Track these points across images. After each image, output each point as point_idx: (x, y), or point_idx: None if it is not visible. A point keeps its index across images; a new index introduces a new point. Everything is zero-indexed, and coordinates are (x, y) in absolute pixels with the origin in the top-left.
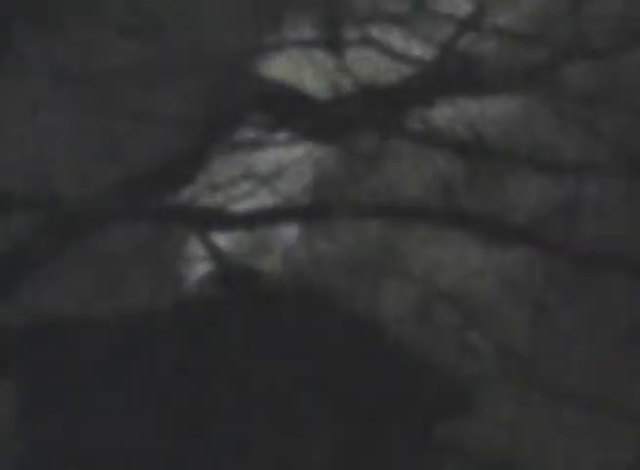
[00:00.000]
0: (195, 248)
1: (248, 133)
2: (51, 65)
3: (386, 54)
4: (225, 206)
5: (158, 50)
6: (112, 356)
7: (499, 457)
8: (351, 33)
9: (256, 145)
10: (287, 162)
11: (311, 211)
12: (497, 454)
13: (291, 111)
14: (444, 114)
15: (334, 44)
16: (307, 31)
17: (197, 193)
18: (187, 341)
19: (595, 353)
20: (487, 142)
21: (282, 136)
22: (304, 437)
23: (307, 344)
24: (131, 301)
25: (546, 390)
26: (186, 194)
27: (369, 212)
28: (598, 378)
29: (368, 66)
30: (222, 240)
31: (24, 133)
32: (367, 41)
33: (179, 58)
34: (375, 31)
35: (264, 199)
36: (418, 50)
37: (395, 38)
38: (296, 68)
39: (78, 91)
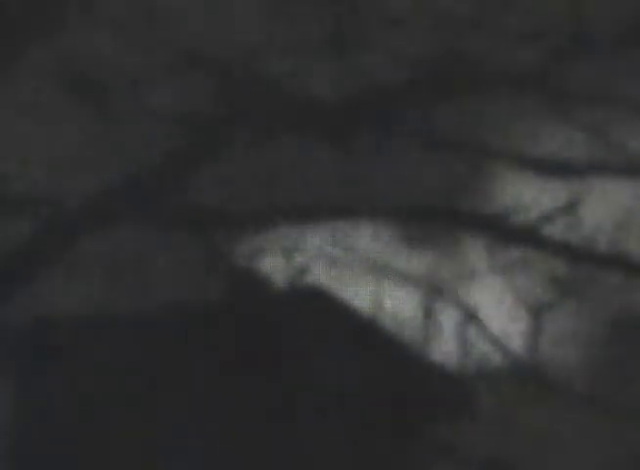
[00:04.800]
0: (197, 248)
1: (249, 133)
2: (51, 65)
3: (386, 54)
4: (227, 206)
5: (159, 50)
6: (112, 356)
7: (498, 458)
8: (352, 33)
9: (257, 145)
10: (288, 162)
11: (313, 212)
12: (495, 455)
13: (291, 111)
14: (445, 114)
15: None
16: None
17: (198, 193)
18: (187, 341)
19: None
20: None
21: (282, 136)
22: (303, 436)
23: (306, 343)
24: (131, 301)
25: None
26: (187, 194)
27: (369, 213)
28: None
29: (368, 66)
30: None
31: (24, 134)
32: (367, 41)
33: (181, 57)
34: (375, 31)
35: (266, 199)
36: (418, 50)
37: (396, 38)
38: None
39: (79, 91)
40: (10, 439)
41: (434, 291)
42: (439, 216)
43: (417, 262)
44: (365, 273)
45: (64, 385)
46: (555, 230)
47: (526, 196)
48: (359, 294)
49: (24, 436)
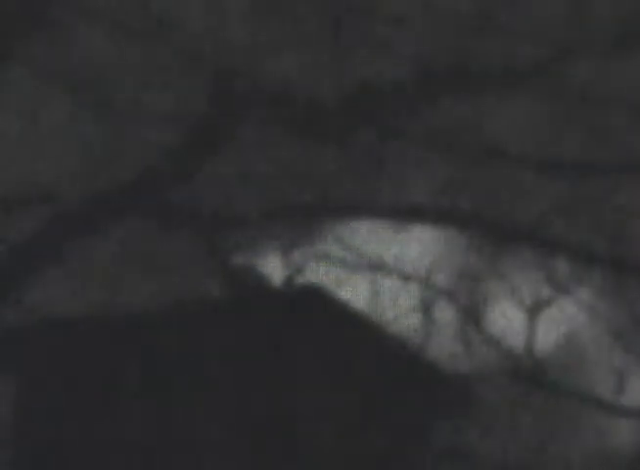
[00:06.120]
0: (196, 247)
1: (249, 133)
2: (51, 66)
3: (386, 54)
4: (227, 205)
5: (159, 50)
6: (112, 356)
7: (498, 457)
8: (352, 33)
9: (257, 145)
10: (288, 162)
11: (312, 212)
12: (495, 454)
13: (291, 111)
14: (445, 114)
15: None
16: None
17: (198, 193)
18: (187, 341)
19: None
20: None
21: (282, 136)
22: (303, 435)
23: (306, 342)
24: (131, 301)
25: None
26: (187, 193)
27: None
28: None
29: (368, 66)
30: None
31: (24, 134)
32: (367, 41)
33: (180, 58)
34: (375, 31)
35: (265, 199)
36: (418, 50)
37: (395, 38)
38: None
39: (79, 92)
40: (11, 437)
41: (433, 291)
42: (439, 216)
43: (417, 262)
44: (364, 273)
45: (64, 384)
46: (555, 230)
47: (526, 196)
48: (358, 293)
49: (26, 434)
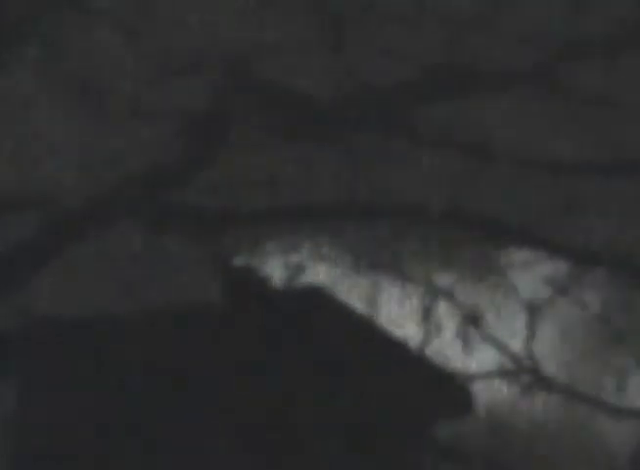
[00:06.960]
0: (195, 248)
1: (249, 133)
2: (51, 65)
3: (386, 54)
4: (226, 206)
5: (158, 50)
6: (111, 356)
7: (498, 458)
8: (352, 33)
9: (257, 146)
10: (288, 162)
11: (312, 212)
12: (495, 455)
13: (291, 111)
14: (445, 114)
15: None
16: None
17: (198, 193)
18: (187, 341)
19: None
20: (488, 142)
21: (281, 136)
22: (304, 437)
23: (306, 343)
24: (131, 302)
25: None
26: (186, 194)
27: (370, 213)
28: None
29: (368, 66)
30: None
31: (23, 133)
32: (367, 41)
33: (180, 57)
34: (375, 31)
35: (265, 199)
36: (418, 50)
37: (395, 38)
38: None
39: (79, 91)
40: (10, 439)
41: (433, 291)
42: (439, 216)
43: (417, 262)
44: (364, 273)
45: (64, 385)
46: (555, 230)
47: (526, 196)
48: (358, 294)
49: (25, 436)
